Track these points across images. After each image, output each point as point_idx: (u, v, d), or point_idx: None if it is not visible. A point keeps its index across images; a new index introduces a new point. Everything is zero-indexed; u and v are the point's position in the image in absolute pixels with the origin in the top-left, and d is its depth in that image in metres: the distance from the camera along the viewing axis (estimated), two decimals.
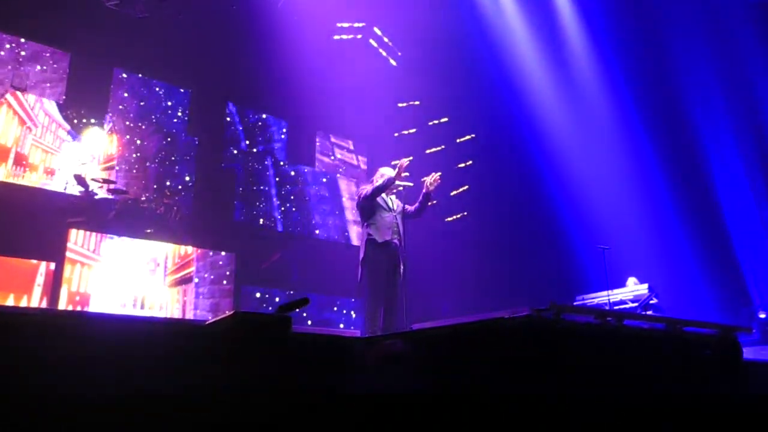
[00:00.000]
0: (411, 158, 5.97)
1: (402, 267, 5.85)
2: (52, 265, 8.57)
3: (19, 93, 8.91)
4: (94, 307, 8.73)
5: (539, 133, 11.93)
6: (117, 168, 9.70)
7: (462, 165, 13.03)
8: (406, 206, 6.15)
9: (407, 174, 6.15)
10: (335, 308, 11.44)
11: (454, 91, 12.50)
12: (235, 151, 11.17)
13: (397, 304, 5.71)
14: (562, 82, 11.94)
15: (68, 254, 8.79)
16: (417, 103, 12.84)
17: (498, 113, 12.25)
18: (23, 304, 8.18)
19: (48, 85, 9.26)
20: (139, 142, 10.05)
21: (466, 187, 12.98)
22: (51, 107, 9.20)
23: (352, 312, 11.57)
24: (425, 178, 6.11)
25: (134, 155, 9.94)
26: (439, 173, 6.14)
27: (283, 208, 11.45)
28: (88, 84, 9.51)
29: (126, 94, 10.06)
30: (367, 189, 6.02)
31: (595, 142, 11.56)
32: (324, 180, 12.11)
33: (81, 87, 9.45)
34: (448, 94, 12.55)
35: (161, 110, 10.38)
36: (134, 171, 9.85)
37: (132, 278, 9.27)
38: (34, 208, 8.61)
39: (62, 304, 8.46)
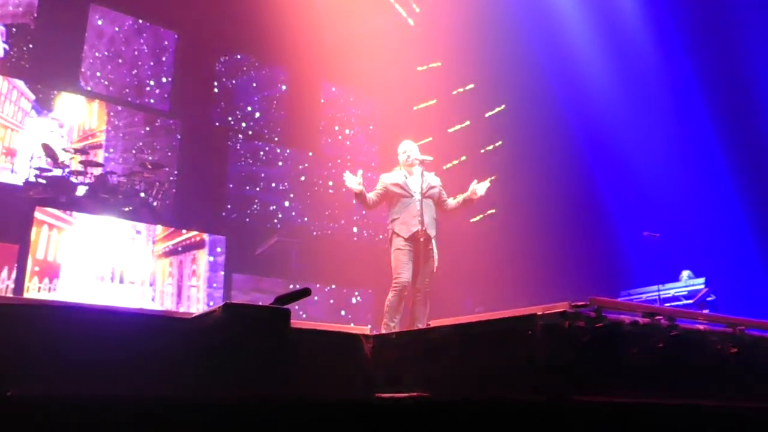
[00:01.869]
0: (361, 176, 6.06)
1: (431, 258, 6.04)
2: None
3: None
4: (63, 280, 8.74)
5: (580, 103, 11.81)
6: (94, 140, 9.75)
7: (490, 147, 12.90)
8: (443, 196, 6.25)
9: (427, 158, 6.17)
10: (342, 301, 11.48)
11: (480, 54, 12.39)
12: (230, 119, 11.16)
13: (424, 296, 5.93)
14: (608, 44, 11.78)
15: (36, 214, 8.77)
16: (438, 64, 12.72)
17: (532, 81, 12.12)
18: None
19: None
20: (116, 110, 10.08)
21: (493, 178, 12.83)
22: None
23: (361, 303, 11.62)
24: (476, 185, 6.23)
25: (111, 124, 9.98)
26: (490, 178, 6.20)
27: (281, 187, 11.46)
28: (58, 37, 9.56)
29: (99, 54, 10.08)
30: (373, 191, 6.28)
31: (646, 115, 11.43)
32: (329, 164, 12.10)
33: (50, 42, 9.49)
34: (473, 57, 12.44)
35: (141, 69, 10.38)
36: (111, 141, 9.90)
37: (110, 246, 9.28)
38: None
39: (27, 278, 8.50)
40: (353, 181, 5.98)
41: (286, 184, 11.63)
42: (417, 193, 6.12)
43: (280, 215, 11.44)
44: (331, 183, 12.06)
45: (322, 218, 11.86)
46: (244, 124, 11.39)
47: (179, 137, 10.64)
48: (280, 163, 11.67)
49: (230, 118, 11.27)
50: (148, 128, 10.41)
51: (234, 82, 11.39)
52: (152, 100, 10.52)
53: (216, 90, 11.19)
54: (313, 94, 12.25)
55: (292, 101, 11.90)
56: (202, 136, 10.85)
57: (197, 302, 10.06)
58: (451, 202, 6.32)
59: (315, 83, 12.27)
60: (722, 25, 10.83)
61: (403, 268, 5.92)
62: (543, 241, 11.91)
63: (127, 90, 10.31)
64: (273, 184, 11.47)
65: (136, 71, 10.41)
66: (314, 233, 11.66)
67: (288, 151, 11.76)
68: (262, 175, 11.40)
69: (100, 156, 9.86)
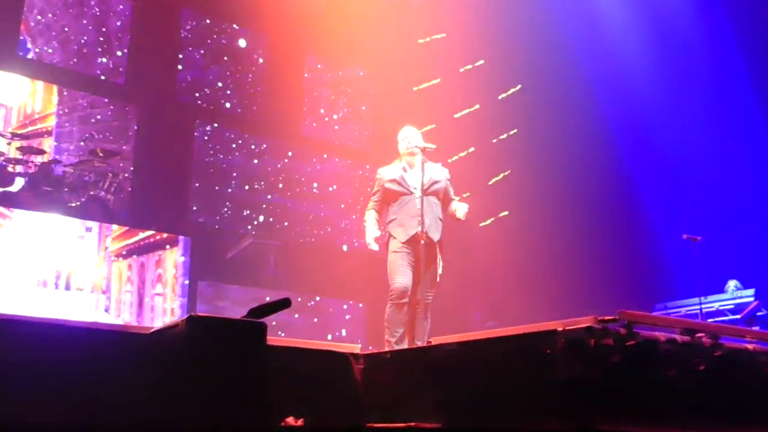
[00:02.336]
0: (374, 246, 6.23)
1: (434, 265, 6.07)
2: None
3: None
4: None
5: (611, 84, 11.80)
6: (39, 126, 9.72)
7: (503, 136, 12.89)
8: (449, 193, 6.37)
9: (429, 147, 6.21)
10: (328, 315, 11.47)
11: (492, 24, 12.39)
12: (197, 96, 11.12)
13: (423, 308, 5.97)
14: (648, 14, 11.76)
15: None
16: (442, 36, 12.70)
17: (554, 56, 12.12)
18: None
19: None
20: (64, 89, 10.04)
21: (507, 172, 12.89)
22: None
23: (351, 318, 11.61)
24: (454, 210, 6.25)
25: (59, 105, 9.94)
26: (467, 208, 6.25)
27: (256, 186, 11.42)
28: None
29: (43, 18, 10.05)
30: (370, 201, 6.40)
31: (689, 101, 11.42)
32: (315, 160, 12.08)
33: None
34: (483, 28, 12.43)
35: (92, 38, 10.34)
36: (59, 126, 9.86)
37: (54, 246, 9.21)
38: None
39: None
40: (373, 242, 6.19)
41: (262, 183, 11.60)
42: (417, 189, 6.14)
43: (255, 222, 11.38)
44: (315, 185, 12.03)
45: (304, 223, 11.85)
46: (213, 107, 11.36)
47: (137, 120, 10.59)
48: (256, 161, 11.61)
49: (197, 95, 11.24)
50: (100, 110, 10.37)
51: (202, 52, 11.36)
52: (104, 77, 10.49)
53: (180, 66, 11.16)
54: (296, 68, 12.22)
55: (270, 76, 11.86)
56: (164, 118, 10.80)
57: (163, 314, 10.01)
58: (453, 205, 6.32)
59: (298, 54, 12.24)
60: None
61: (398, 273, 5.96)
62: (564, 246, 11.92)
63: (75, 60, 10.26)
64: (246, 186, 11.40)
65: (84, 39, 10.37)
66: (299, 240, 11.64)
67: (264, 146, 11.72)
68: (234, 174, 11.34)
69: (46, 144, 9.82)
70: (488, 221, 12.75)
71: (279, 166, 11.80)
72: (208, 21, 11.50)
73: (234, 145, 11.48)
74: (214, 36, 11.52)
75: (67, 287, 9.23)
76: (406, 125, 6.41)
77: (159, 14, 10.93)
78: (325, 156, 12.28)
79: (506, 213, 12.72)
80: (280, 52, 11.93)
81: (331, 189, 12.18)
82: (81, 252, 9.46)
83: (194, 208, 10.84)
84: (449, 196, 6.34)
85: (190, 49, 11.28)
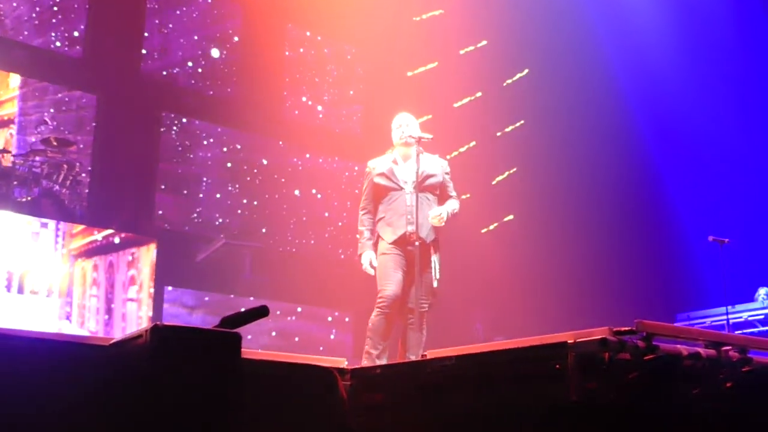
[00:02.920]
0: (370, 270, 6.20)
1: (429, 271, 6.06)
2: None
3: None
4: None
5: (630, 67, 11.82)
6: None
7: (509, 129, 12.83)
8: (448, 189, 6.34)
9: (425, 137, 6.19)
10: (310, 326, 11.46)
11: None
12: (164, 74, 11.07)
13: (416, 318, 5.91)
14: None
15: None
16: (440, 12, 12.66)
17: (566, 36, 12.13)
18: None
19: None
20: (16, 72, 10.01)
21: (513, 170, 12.84)
22: None
23: (335, 330, 11.61)
24: (433, 217, 6.19)
25: (16, 90, 9.90)
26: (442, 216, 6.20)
27: (230, 189, 11.39)
28: None
29: None
30: (362, 201, 6.37)
31: (718, 87, 11.45)
32: (295, 159, 12.03)
33: None
34: (487, 3, 12.42)
35: (44, 7, 10.29)
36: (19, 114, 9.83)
37: (3, 243, 9.07)
38: None
39: None
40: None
41: (237, 186, 11.56)
42: (408, 184, 6.12)
43: (227, 226, 11.35)
44: (297, 192, 12.00)
45: (284, 231, 11.83)
46: (181, 89, 11.31)
47: (96, 105, 10.54)
48: (230, 164, 11.55)
49: (164, 73, 11.21)
50: (55, 95, 10.31)
51: (171, 26, 11.32)
52: (59, 44, 10.43)
53: (145, 44, 11.11)
54: (276, 44, 12.19)
55: (246, 55, 11.84)
56: (127, 102, 10.75)
57: (138, 322, 9.86)
58: (450, 203, 6.30)
59: (278, 29, 12.21)
60: None
61: (389, 279, 5.94)
62: (576, 251, 11.93)
63: (26, 33, 10.19)
64: (218, 194, 11.34)
65: (38, 10, 10.30)
66: (278, 249, 11.62)
67: (239, 145, 11.67)
68: (205, 179, 11.30)
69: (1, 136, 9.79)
70: (491, 227, 12.71)
71: (255, 170, 11.74)
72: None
73: (206, 143, 11.43)
74: (184, 7, 11.49)
75: (20, 290, 9.13)
76: (402, 112, 6.38)
77: None
78: (308, 155, 12.24)
79: (511, 217, 12.68)
80: (258, 26, 11.90)
81: (314, 191, 12.14)
82: (36, 250, 9.39)
83: (160, 212, 10.77)
84: (447, 192, 6.31)
85: (156, 21, 11.22)
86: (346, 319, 11.76)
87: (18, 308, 9.06)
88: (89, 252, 9.81)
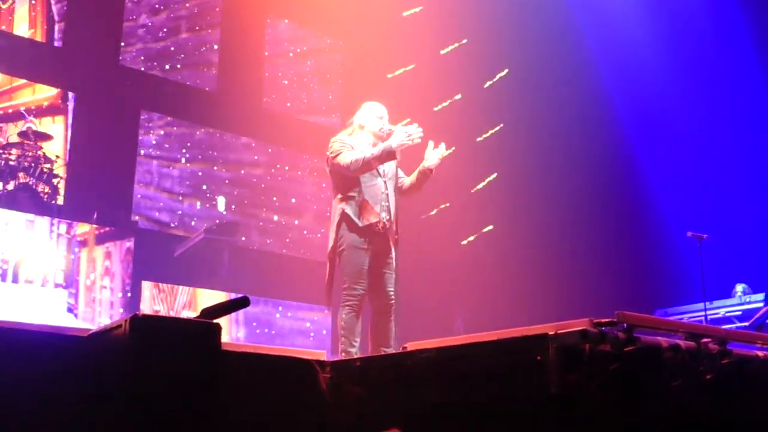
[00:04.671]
0: (417, 131, 5.89)
1: (393, 258, 5.97)
2: None
3: None
4: None
5: (610, 65, 11.85)
6: None
7: (487, 135, 12.74)
8: (399, 172, 6.17)
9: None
10: (291, 320, 11.45)
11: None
12: (142, 69, 11.02)
13: (390, 310, 5.88)
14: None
15: None
16: (419, 8, 12.61)
17: (546, 36, 12.14)
18: None
19: None
20: None
21: (493, 176, 12.75)
22: None
23: (315, 323, 11.60)
24: (428, 152, 6.08)
25: None
26: (447, 150, 6.11)
27: (208, 195, 11.34)
28: None
29: None
30: (343, 153, 5.96)
31: (698, 87, 11.50)
32: (277, 166, 12.01)
33: None
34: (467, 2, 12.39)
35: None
36: None
37: None
38: None
39: None
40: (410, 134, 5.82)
41: (216, 182, 11.51)
42: (384, 171, 6.05)
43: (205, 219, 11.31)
44: (275, 199, 11.96)
45: (264, 226, 11.81)
46: (160, 86, 11.26)
47: (72, 95, 10.47)
48: (214, 166, 11.49)
49: (142, 68, 11.15)
50: (31, 85, 10.23)
51: (150, 20, 11.27)
52: (38, 38, 10.35)
53: (123, 36, 11.05)
54: (256, 40, 12.17)
55: (226, 48, 11.80)
56: (106, 93, 10.69)
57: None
58: (407, 180, 6.19)
59: (258, 23, 12.19)
60: None
61: (358, 272, 5.86)
62: (556, 248, 11.96)
63: (2, 27, 10.11)
64: (198, 204, 11.28)
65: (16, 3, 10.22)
66: (255, 248, 11.60)
67: (215, 152, 11.62)
68: (184, 181, 11.24)
69: None
70: (471, 238, 12.67)
71: (225, 181, 11.68)
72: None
73: (184, 149, 11.38)
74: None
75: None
76: (374, 102, 6.28)
77: None
78: (287, 168, 12.22)
79: (491, 227, 12.64)
80: (239, 20, 11.88)
81: (293, 201, 12.14)
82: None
83: (136, 217, 10.69)
84: (398, 175, 6.15)
85: (133, 17, 11.17)
86: (325, 312, 11.77)
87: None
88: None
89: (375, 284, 5.92)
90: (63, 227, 9.63)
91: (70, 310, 9.40)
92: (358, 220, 5.90)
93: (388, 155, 5.82)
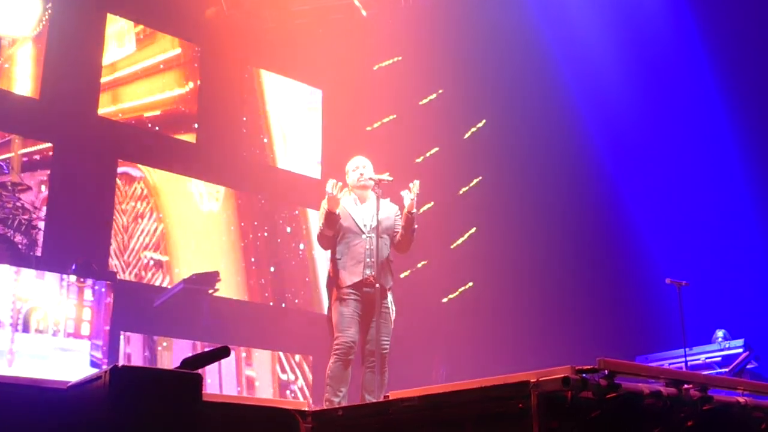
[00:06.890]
0: (331, 182, 6.04)
1: (387, 306, 6.07)
2: None
3: None
4: None
5: (591, 111, 11.91)
6: None
7: (466, 188, 12.75)
8: (397, 227, 6.28)
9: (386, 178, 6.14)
10: (269, 368, 11.39)
11: (455, 43, 12.46)
12: (119, 116, 11.01)
13: (382, 359, 5.93)
14: (627, 36, 11.97)
15: None
16: (398, 59, 12.72)
17: (522, 83, 12.25)
18: None
19: None
20: None
21: (473, 230, 12.80)
22: None
23: (297, 373, 11.54)
24: (404, 193, 6.18)
25: None
26: (417, 187, 6.18)
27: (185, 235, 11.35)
28: None
29: None
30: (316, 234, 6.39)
31: (681, 135, 11.61)
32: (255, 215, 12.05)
33: None
34: (446, 48, 12.50)
35: None
36: None
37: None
38: None
39: None
40: (332, 185, 5.95)
41: (193, 232, 11.52)
42: (367, 227, 6.12)
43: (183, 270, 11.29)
44: (253, 259, 11.99)
45: (243, 277, 11.82)
46: (138, 136, 11.29)
47: (54, 151, 10.46)
48: (187, 211, 11.49)
49: (120, 115, 11.19)
50: (11, 136, 10.22)
51: (127, 71, 11.33)
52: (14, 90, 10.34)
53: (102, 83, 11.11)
54: (235, 89, 12.26)
55: (208, 97, 11.88)
56: (83, 148, 10.70)
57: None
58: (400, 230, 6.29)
59: (237, 73, 12.32)
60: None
61: (346, 323, 5.95)
62: (535, 296, 11.97)
63: None
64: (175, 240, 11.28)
65: None
66: (233, 299, 11.58)
67: (196, 192, 11.65)
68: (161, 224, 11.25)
69: None
70: (452, 295, 12.67)
71: (216, 217, 11.72)
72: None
73: (163, 189, 11.41)
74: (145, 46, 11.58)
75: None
76: (357, 156, 6.41)
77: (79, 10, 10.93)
78: (265, 229, 12.27)
79: (470, 284, 12.64)
80: (222, 68, 11.99)
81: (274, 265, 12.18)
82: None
83: (114, 268, 10.63)
84: (396, 229, 6.25)
85: (113, 67, 11.25)
86: (311, 358, 11.71)
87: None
88: None
89: (366, 334, 6.02)
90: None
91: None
92: (342, 280, 6.06)
93: (325, 215, 6.04)
